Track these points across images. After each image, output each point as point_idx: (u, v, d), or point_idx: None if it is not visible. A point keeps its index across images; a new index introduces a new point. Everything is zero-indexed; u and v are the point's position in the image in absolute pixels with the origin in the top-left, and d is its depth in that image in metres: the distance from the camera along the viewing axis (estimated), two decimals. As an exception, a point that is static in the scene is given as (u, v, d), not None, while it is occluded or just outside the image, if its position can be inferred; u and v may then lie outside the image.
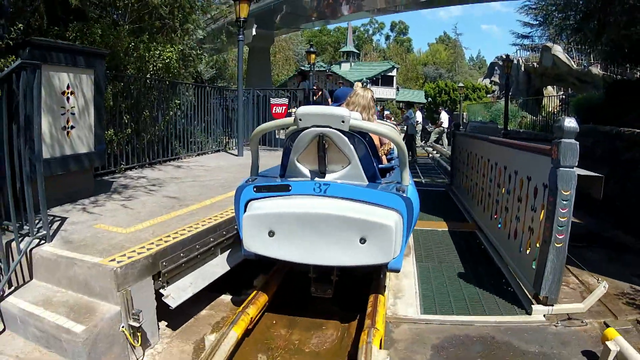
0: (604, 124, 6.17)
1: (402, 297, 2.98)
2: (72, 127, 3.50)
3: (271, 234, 2.12)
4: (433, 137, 16.36)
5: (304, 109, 2.20)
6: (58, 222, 2.93)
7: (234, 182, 4.29)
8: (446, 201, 6.20)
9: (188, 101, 6.75)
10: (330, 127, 2.09)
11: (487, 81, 27.04)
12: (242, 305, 2.47)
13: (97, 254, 2.42)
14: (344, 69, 35.24)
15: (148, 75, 5.63)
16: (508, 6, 78.54)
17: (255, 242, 2.19)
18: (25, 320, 2.21)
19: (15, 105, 2.53)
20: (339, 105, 3.08)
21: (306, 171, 2.28)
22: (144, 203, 3.63)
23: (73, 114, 3.50)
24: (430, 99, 28.47)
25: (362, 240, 2.00)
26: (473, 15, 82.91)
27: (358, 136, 2.19)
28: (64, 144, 3.43)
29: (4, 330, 2.29)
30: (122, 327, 2.19)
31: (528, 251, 3.14)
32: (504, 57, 18.70)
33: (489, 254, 3.87)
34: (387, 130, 2.31)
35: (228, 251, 3.17)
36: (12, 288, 2.41)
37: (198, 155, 6.98)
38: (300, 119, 2.14)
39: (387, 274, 3.01)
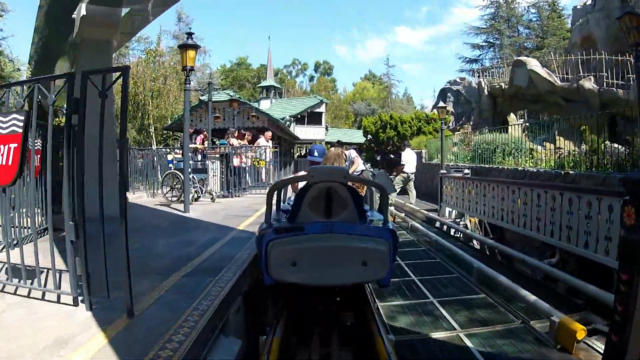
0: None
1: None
2: None
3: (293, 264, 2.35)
4: (396, 188, 10.40)
5: (316, 169, 2.85)
6: None
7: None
8: None
9: None
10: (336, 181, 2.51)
11: (435, 111, 18.84)
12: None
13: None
14: (264, 106, 28.29)
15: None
16: (429, 43, 77.31)
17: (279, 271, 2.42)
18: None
19: None
20: (317, 161, 4.02)
21: (315, 216, 2.57)
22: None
23: None
24: (370, 136, 21.87)
25: (364, 263, 2.32)
26: (393, 55, 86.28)
27: (352, 187, 2.67)
28: None
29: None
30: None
31: None
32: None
33: None
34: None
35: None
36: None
37: None
38: (312, 175, 2.54)
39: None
